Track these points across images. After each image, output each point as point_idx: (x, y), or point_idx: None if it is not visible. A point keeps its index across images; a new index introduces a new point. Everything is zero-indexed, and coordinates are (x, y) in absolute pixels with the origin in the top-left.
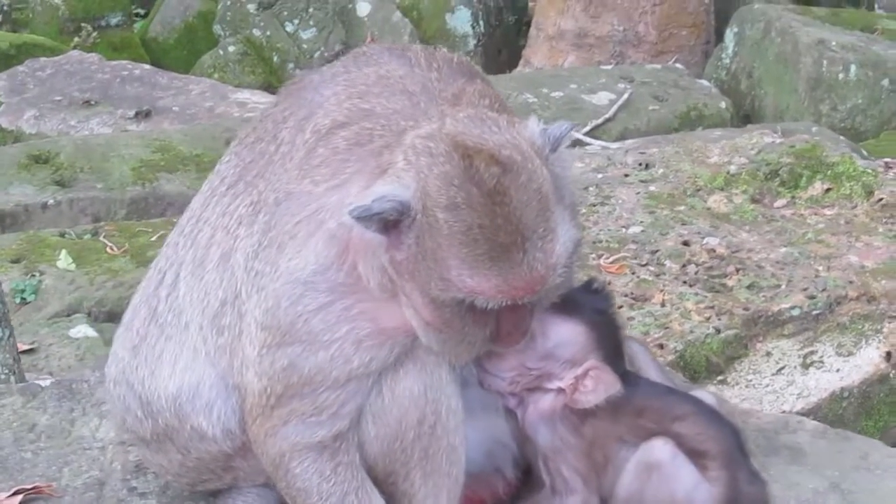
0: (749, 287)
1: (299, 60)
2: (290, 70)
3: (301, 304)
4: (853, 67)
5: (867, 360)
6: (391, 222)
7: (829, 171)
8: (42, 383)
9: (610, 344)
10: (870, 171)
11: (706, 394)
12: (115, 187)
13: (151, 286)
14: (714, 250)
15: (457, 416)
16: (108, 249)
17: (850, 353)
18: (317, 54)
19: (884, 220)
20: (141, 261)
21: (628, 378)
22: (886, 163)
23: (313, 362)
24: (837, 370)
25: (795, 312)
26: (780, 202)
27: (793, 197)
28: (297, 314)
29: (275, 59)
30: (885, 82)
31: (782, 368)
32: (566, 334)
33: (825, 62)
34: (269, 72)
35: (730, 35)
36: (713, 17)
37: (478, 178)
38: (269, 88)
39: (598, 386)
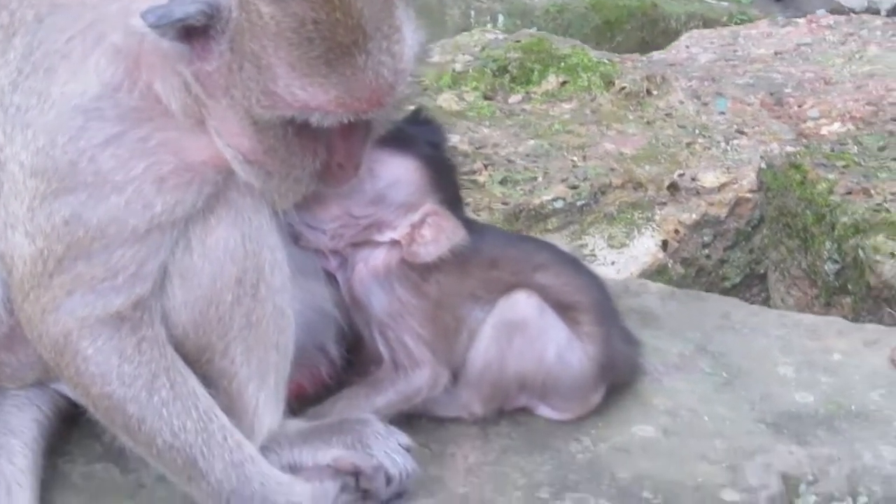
0: (502, 182)
1: None
2: None
3: (83, 137)
4: (501, 17)
5: (643, 251)
6: (197, 27)
7: (562, 64)
8: None
9: (448, 184)
10: (606, 61)
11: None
12: None
13: None
14: (456, 147)
15: (282, 273)
16: None
17: (623, 245)
18: None
19: (631, 108)
20: None
21: (472, 226)
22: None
23: (103, 210)
24: (612, 263)
25: (559, 204)
26: (514, 98)
27: (527, 92)
28: (80, 151)
29: None
30: (534, 30)
31: None
32: (398, 172)
33: (473, 13)
34: None
35: None
36: None
37: None
38: None
39: (439, 234)
